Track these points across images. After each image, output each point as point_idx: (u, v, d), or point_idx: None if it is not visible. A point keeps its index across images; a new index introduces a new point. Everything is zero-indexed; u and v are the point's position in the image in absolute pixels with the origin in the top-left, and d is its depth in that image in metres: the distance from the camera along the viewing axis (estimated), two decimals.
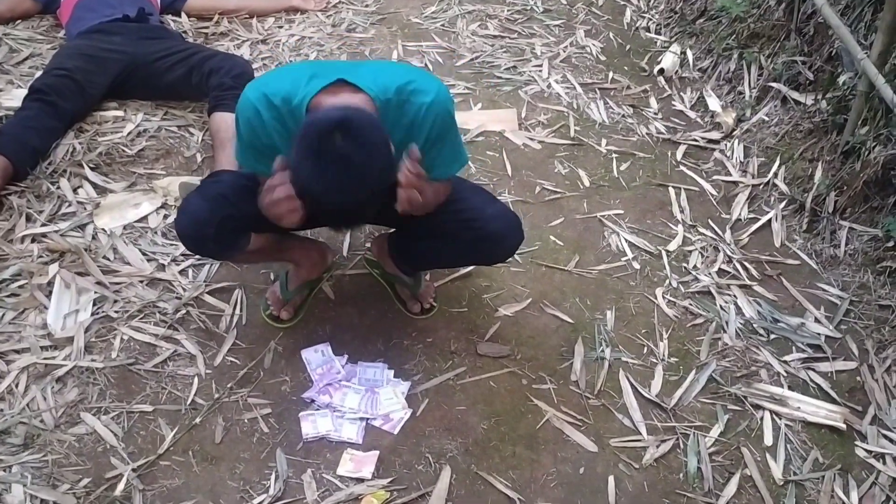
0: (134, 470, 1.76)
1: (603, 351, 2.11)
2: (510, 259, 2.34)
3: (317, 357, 2.03)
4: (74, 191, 2.45)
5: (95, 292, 2.14)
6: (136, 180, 2.53)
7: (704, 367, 2.08)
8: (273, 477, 1.77)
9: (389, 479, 1.78)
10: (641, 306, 2.27)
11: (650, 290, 2.31)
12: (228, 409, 1.92)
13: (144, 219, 2.40)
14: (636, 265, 2.40)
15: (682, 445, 1.90)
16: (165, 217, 2.41)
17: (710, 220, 2.59)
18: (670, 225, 2.56)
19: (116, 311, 2.11)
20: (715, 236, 2.52)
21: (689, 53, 3.37)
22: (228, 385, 1.96)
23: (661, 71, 3.32)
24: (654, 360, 2.11)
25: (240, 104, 1.73)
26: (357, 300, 2.22)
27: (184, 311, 2.13)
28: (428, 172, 1.82)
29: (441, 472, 1.80)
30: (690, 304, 2.26)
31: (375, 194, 1.58)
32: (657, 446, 1.90)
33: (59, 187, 2.44)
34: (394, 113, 1.68)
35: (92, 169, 2.52)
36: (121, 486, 1.72)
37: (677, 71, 3.33)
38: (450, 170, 1.84)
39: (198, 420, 1.88)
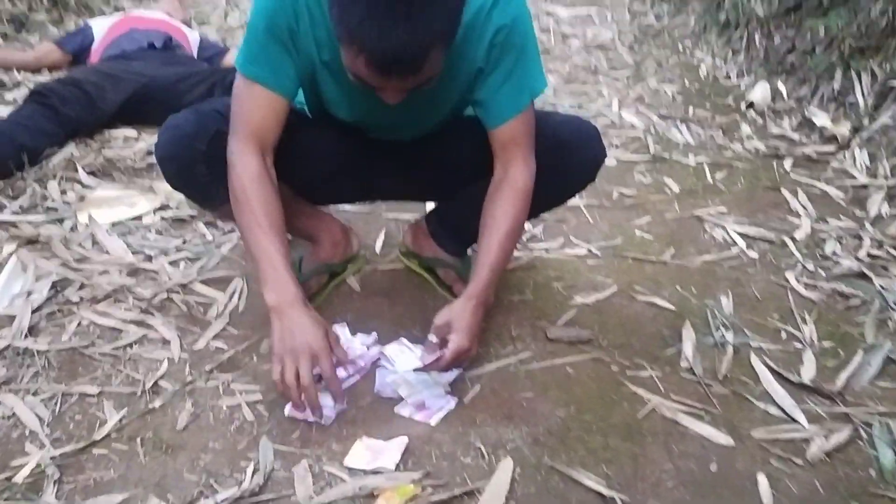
0: (53, 458, 1.21)
1: (723, 336, 1.52)
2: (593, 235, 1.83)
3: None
4: (62, 193, 2.07)
5: (57, 274, 1.68)
6: (135, 181, 2.15)
7: (875, 349, 1.47)
8: (250, 469, 1.20)
9: (422, 473, 1.18)
10: (768, 291, 1.69)
11: (777, 275, 1.74)
12: (202, 394, 1.37)
13: (138, 219, 1.98)
14: (753, 254, 1.84)
15: (864, 436, 1.26)
16: (163, 220, 1.99)
17: (841, 216, 2.03)
18: (790, 219, 2.02)
19: (81, 296, 1.64)
20: (854, 224, 1.96)
21: (782, 87, 2.94)
22: (208, 368, 1.43)
23: (751, 105, 2.90)
24: (799, 345, 1.51)
25: None
26: (389, 291, 1.70)
27: (164, 297, 1.64)
28: (483, 106, 1.37)
29: (499, 464, 1.20)
30: (839, 286, 1.67)
31: (437, 37, 1.13)
32: (825, 437, 1.26)
33: (45, 187, 2.07)
34: None
35: (88, 173, 2.16)
36: (24, 473, 1.17)
37: (769, 105, 2.89)
38: (519, 102, 1.35)
39: (157, 404, 1.34)
